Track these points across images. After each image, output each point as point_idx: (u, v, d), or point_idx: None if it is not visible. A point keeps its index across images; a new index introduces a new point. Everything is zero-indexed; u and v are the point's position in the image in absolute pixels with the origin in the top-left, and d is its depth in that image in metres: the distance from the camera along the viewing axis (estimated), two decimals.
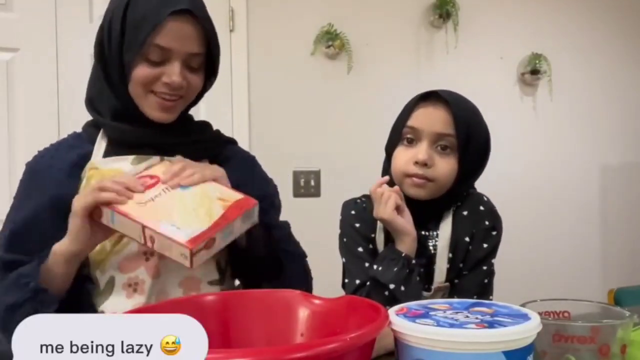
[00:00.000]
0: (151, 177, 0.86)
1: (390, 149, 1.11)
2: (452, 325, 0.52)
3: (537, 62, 2.63)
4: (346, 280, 1.11)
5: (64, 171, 0.95)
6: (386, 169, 1.13)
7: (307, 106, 2.27)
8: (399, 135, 1.08)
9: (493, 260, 1.09)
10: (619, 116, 2.93)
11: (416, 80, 2.38)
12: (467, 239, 1.07)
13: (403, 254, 1.01)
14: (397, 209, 1.02)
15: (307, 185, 2.25)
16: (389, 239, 1.10)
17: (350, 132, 2.28)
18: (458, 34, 2.47)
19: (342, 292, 1.18)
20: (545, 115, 2.75)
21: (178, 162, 0.89)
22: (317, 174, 2.28)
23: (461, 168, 1.05)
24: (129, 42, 0.90)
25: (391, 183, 1.09)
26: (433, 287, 1.06)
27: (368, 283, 1.03)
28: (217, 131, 1.10)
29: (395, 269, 1.00)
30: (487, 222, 1.08)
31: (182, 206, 0.81)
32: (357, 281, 1.06)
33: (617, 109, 2.92)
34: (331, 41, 2.24)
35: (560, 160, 2.78)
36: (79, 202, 0.81)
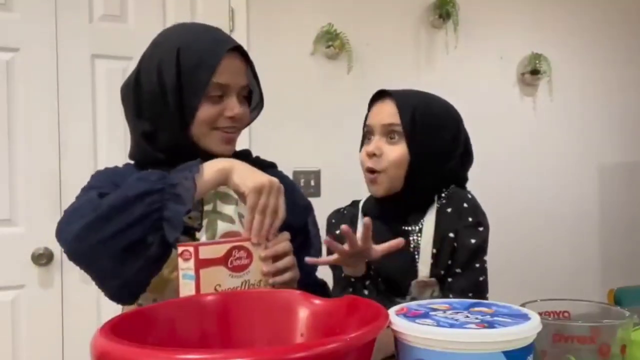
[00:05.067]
0: (247, 254, 0.84)
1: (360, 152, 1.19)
2: (452, 325, 0.52)
3: (537, 62, 2.63)
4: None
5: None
6: None
7: (307, 106, 2.27)
8: (364, 139, 1.18)
9: (485, 257, 1.10)
10: (618, 116, 2.93)
11: (416, 80, 2.38)
12: (451, 234, 1.09)
13: (343, 275, 1.07)
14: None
15: (307, 185, 2.25)
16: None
17: (350, 132, 2.27)
18: (458, 34, 2.47)
19: None
20: (545, 115, 2.75)
21: (280, 243, 0.89)
22: (317, 174, 2.28)
23: (412, 153, 1.09)
24: (189, 86, 0.94)
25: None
26: (416, 281, 1.07)
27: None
28: (257, 157, 1.15)
29: (339, 292, 1.07)
30: (470, 219, 1.10)
31: None
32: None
33: (617, 109, 2.93)
34: (331, 41, 2.23)
35: (559, 159, 2.79)
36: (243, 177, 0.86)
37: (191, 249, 0.77)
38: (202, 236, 0.98)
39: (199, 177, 0.85)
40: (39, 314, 1.83)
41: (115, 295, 0.89)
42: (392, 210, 1.13)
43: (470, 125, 1.18)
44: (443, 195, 1.13)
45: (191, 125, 0.96)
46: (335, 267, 1.16)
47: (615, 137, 2.93)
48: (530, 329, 0.52)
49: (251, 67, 1.03)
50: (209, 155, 0.96)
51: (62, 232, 0.84)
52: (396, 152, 1.09)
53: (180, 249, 0.79)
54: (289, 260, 0.88)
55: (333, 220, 1.22)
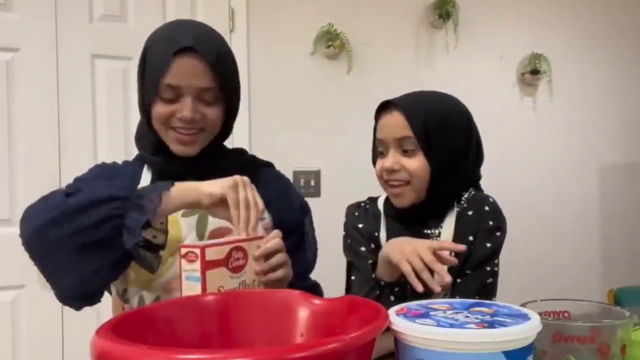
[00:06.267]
0: (243, 255, 0.84)
1: (374, 163, 1.17)
2: (452, 325, 0.52)
3: (537, 62, 2.63)
4: (353, 277, 1.15)
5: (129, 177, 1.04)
6: None
7: (307, 106, 2.27)
8: (375, 149, 1.15)
9: (496, 261, 1.09)
10: (618, 116, 2.93)
11: (416, 80, 2.38)
12: (470, 238, 1.08)
13: (373, 276, 1.05)
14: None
15: (307, 185, 2.25)
16: (391, 236, 1.13)
17: (350, 132, 2.28)
18: (458, 34, 2.47)
19: (342, 292, 1.18)
20: (545, 115, 2.75)
21: (271, 243, 0.88)
22: (317, 174, 2.28)
23: (432, 163, 1.07)
24: (146, 85, 0.98)
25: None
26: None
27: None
28: (253, 156, 1.15)
29: (365, 291, 1.05)
30: (491, 222, 1.09)
31: None
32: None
33: (617, 108, 2.92)
34: (331, 41, 2.23)
35: (559, 160, 2.78)
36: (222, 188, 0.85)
37: (197, 250, 0.77)
38: (191, 231, 0.98)
39: (167, 194, 0.86)
40: (39, 314, 1.83)
41: (65, 294, 0.89)
42: (413, 215, 1.11)
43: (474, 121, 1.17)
44: (463, 199, 1.12)
45: (152, 122, 0.99)
46: (351, 271, 1.16)
47: (615, 137, 2.93)
48: (530, 329, 0.52)
49: (219, 68, 0.97)
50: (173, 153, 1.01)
51: (24, 224, 0.87)
52: (415, 164, 1.06)
53: (184, 251, 0.78)
54: (280, 257, 0.88)
55: (356, 214, 1.20)
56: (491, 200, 1.13)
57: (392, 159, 1.08)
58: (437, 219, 1.11)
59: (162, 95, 0.96)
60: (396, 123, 1.07)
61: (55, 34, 1.87)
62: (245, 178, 0.88)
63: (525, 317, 0.54)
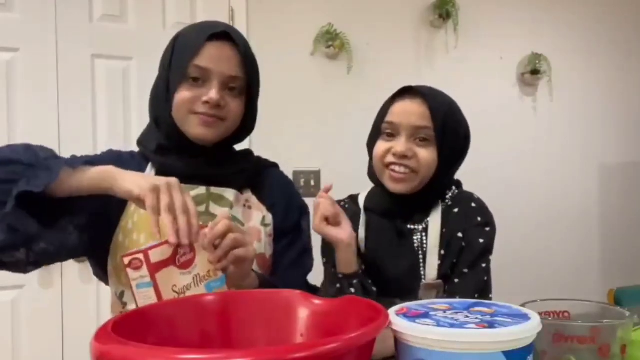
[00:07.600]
0: (190, 248, 0.79)
1: (370, 145, 1.15)
2: (452, 325, 0.52)
3: (537, 62, 2.63)
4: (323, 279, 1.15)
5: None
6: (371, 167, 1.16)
7: (307, 106, 2.27)
8: (378, 131, 1.12)
9: (490, 257, 1.09)
10: (618, 116, 2.93)
11: (416, 80, 2.36)
12: (460, 234, 1.08)
13: (333, 271, 1.06)
14: (328, 219, 1.05)
15: (307, 185, 2.25)
16: (370, 231, 1.14)
17: (350, 132, 2.28)
18: (458, 34, 2.47)
19: None
20: (545, 115, 2.75)
21: (220, 226, 0.82)
22: (317, 174, 2.28)
23: (440, 159, 1.07)
24: (174, 67, 0.97)
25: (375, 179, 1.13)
26: (423, 282, 1.07)
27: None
28: (259, 157, 1.15)
29: (334, 289, 1.05)
30: (479, 218, 1.09)
31: None
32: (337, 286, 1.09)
33: (617, 108, 2.92)
34: (331, 41, 2.23)
35: (560, 160, 2.78)
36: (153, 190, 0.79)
37: (140, 255, 0.73)
38: None
39: (79, 172, 0.83)
40: (39, 314, 1.83)
41: None
42: (398, 208, 1.11)
43: (469, 126, 1.18)
44: (448, 197, 1.13)
45: (172, 110, 0.98)
46: (327, 263, 1.16)
47: (615, 137, 2.92)
48: (530, 329, 0.52)
49: (246, 59, 0.98)
50: (193, 143, 0.99)
51: None
52: (429, 155, 1.06)
53: (127, 260, 0.74)
54: (232, 238, 0.82)
55: None
56: (476, 197, 1.14)
57: (405, 144, 1.06)
58: (421, 215, 1.11)
59: (189, 76, 0.95)
60: (417, 111, 1.06)
61: (55, 34, 1.87)
62: (173, 181, 0.82)
63: (525, 317, 0.54)
